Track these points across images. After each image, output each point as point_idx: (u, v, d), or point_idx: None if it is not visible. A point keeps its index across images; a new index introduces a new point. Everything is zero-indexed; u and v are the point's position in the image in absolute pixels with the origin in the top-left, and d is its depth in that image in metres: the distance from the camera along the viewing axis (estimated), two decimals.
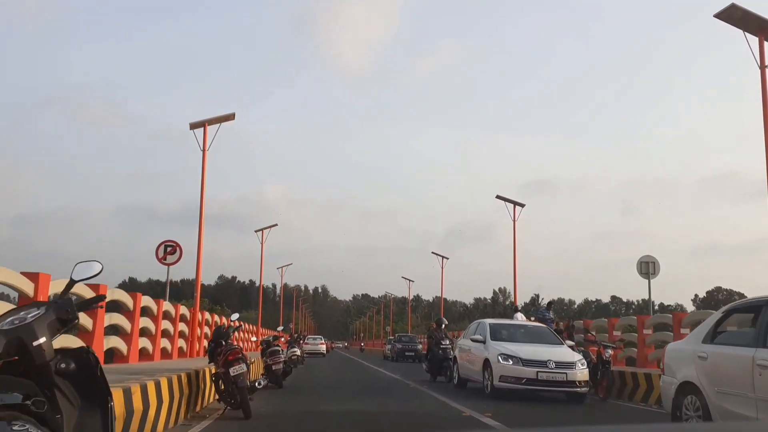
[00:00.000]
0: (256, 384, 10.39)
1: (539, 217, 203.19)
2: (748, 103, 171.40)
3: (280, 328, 25.58)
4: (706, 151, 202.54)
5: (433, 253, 47.40)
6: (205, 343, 18.77)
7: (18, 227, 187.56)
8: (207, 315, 23.46)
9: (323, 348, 49.70)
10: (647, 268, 18.99)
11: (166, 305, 16.68)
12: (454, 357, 17.03)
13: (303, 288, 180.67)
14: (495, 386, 13.26)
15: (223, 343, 10.35)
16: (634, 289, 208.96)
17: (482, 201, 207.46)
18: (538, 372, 12.99)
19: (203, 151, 19.44)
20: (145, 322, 14.98)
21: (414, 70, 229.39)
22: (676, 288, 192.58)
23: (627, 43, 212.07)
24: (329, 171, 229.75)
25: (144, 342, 14.95)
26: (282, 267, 56.89)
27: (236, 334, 13.40)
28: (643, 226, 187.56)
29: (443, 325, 21.02)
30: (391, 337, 48.24)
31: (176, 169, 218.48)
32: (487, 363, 13.78)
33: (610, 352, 14.66)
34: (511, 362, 13.21)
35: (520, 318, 20.35)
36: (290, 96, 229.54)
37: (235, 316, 11.86)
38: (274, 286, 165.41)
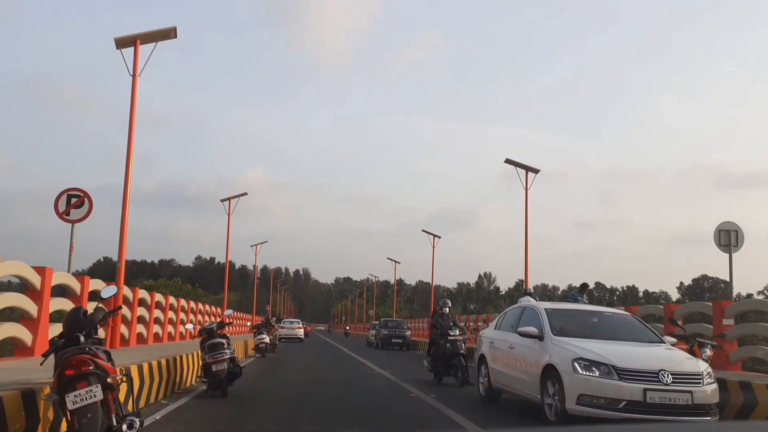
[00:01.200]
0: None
1: (520, 205, 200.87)
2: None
3: (228, 312, 20.70)
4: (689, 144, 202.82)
5: (424, 231, 43.99)
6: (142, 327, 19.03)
7: None
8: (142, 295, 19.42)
9: (301, 332, 46.04)
10: (728, 238, 14.55)
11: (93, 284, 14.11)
12: (481, 355, 11.66)
13: (284, 270, 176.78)
14: (569, 410, 8.35)
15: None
16: (616, 277, 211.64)
17: (463, 188, 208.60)
18: (645, 390, 8.08)
19: (133, 76, 15.00)
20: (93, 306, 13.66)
21: (397, 58, 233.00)
22: (659, 276, 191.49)
23: (613, 38, 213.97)
24: (310, 156, 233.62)
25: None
26: (256, 245, 52.57)
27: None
28: (623, 215, 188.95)
29: (447, 309, 15.60)
30: (375, 322, 44.26)
31: (153, 151, 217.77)
32: (551, 372, 8.85)
33: (709, 352, 10.28)
34: (596, 373, 8.31)
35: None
36: (271, 81, 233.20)
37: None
38: (255, 268, 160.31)
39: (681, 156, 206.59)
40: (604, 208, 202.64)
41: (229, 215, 33.39)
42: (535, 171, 24.98)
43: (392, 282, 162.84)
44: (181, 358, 12.11)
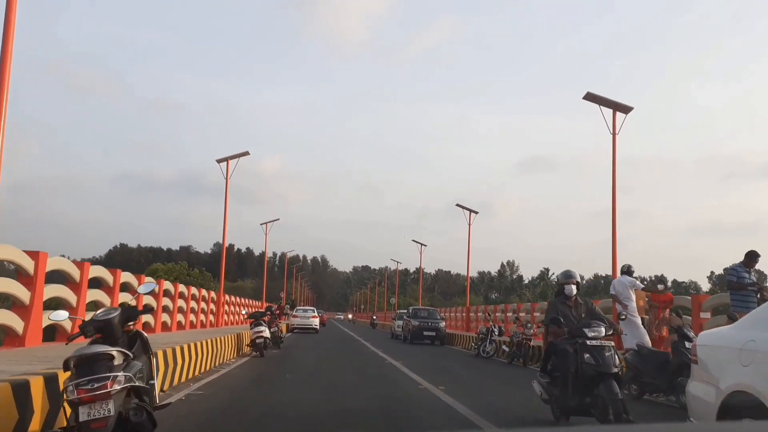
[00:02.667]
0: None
1: (538, 192, 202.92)
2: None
3: (145, 288, 11.27)
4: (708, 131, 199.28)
5: (458, 205, 37.29)
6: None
7: (15, 195, 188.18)
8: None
9: (316, 322, 40.97)
10: None
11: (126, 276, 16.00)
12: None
13: (301, 258, 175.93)
14: None
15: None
16: (644, 265, 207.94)
17: (480, 176, 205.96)
18: None
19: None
20: (95, 294, 14.08)
21: (414, 43, 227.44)
22: (689, 265, 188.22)
23: (634, 21, 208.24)
24: (327, 144, 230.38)
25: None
26: (266, 223, 47.22)
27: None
28: (641, 205, 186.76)
29: (575, 288, 8.77)
30: (402, 311, 38.55)
31: (175, 138, 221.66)
32: None
33: None
34: None
35: (628, 285, 14.34)
36: (289, 68, 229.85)
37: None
38: (274, 255, 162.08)
39: (700, 144, 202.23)
40: (622, 196, 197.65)
41: (227, 179, 28.64)
42: (627, 109, 18.96)
43: (411, 271, 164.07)
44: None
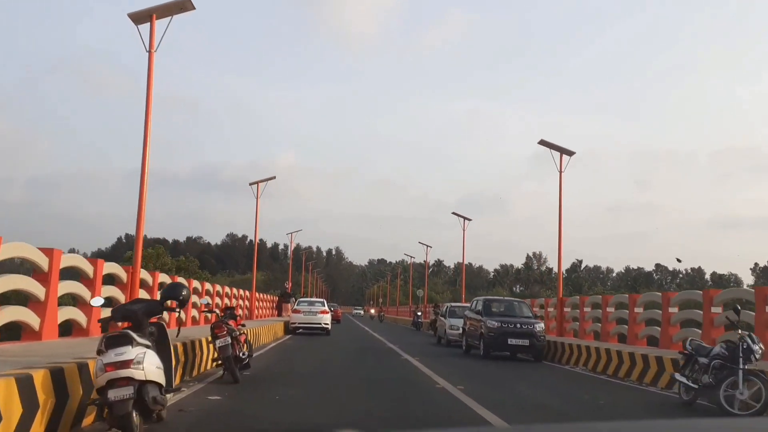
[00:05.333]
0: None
1: (552, 189, 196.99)
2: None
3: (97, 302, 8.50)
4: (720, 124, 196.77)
5: (454, 213, 40.67)
6: None
7: (31, 190, 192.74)
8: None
9: (326, 319, 28.67)
10: None
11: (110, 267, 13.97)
12: None
13: (315, 250, 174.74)
14: None
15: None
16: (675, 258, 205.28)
17: (495, 170, 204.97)
18: None
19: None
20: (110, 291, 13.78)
21: (425, 38, 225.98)
22: (729, 259, 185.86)
23: (648, 17, 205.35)
24: (341, 139, 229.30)
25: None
26: (291, 233, 52.86)
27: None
28: (656, 198, 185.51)
29: None
30: (457, 305, 27.81)
31: (190, 135, 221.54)
32: None
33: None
34: None
35: None
36: (303, 65, 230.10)
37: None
38: (286, 247, 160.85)
39: (717, 137, 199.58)
40: (640, 191, 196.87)
41: (257, 198, 31.24)
42: (570, 153, 23.42)
43: (431, 264, 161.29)
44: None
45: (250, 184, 31.62)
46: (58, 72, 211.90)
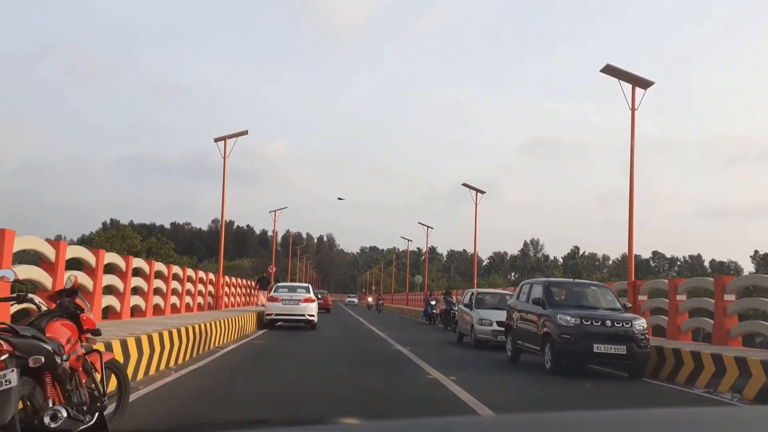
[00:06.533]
0: None
1: (542, 175, 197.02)
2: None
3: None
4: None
5: (464, 185, 35.04)
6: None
7: (21, 177, 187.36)
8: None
9: (311, 309, 22.37)
10: None
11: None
12: None
13: (305, 236, 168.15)
14: None
15: None
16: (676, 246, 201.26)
17: (487, 157, 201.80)
18: None
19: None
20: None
21: (414, 25, 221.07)
22: (728, 246, 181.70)
23: (637, 9, 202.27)
24: (333, 126, 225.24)
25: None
26: (275, 210, 46.89)
27: None
28: (648, 185, 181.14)
29: None
30: (498, 292, 22.44)
31: (178, 121, 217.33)
32: None
33: None
34: None
35: None
36: (294, 52, 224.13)
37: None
38: (276, 233, 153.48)
39: (705, 127, 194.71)
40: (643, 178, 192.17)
41: (224, 158, 25.77)
42: (647, 83, 17.39)
43: (424, 250, 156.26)
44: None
45: (216, 141, 26.18)
46: (48, 56, 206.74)
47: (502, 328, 15.61)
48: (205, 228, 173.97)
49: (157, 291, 17.15)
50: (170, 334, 11.13)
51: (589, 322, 11.72)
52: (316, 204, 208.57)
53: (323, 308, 37.79)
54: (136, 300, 15.61)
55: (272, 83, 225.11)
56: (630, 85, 16.91)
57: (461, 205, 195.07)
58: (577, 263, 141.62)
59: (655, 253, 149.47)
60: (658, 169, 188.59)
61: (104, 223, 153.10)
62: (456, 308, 24.52)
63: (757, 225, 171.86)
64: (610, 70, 16.91)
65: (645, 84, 16.87)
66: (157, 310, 17.17)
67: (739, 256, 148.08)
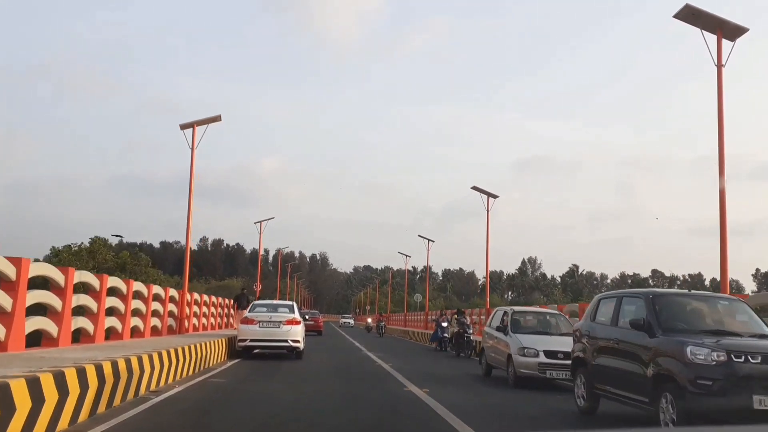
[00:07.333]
0: None
1: (535, 194, 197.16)
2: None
3: None
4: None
5: (474, 188, 33.66)
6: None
7: (12, 195, 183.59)
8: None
9: (295, 332, 18.25)
10: None
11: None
12: None
13: (297, 255, 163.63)
14: None
15: None
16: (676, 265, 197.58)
17: (476, 177, 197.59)
18: None
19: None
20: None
21: (407, 44, 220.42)
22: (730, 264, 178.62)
23: (627, 25, 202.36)
24: (326, 145, 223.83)
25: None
26: (260, 221, 45.42)
27: None
28: (640, 204, 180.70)
29: None
30: (538, 312, 17.05)
31: (170, 140, 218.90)
32: None
33: None
34: None
35: None
36: (287, 70, 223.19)
37: None
38: (266, 252, 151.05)
39: (699, 145, 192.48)
40: (628, 196, 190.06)
41: (192, 148, 23.04)
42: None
43: (419, 269, 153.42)
44: None
45: (182, 127, 23.23)
46: (41, 74, 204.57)
47: (552, 361, 12.18)
48: (194, 247, 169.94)
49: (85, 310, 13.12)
50: (63, 376, 6.86)
51: (741, 359, 7.25)
52: (309, 223, 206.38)
53: (313, 330, 34.28)
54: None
55: (266, 100, 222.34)
56: (714, 36, 13.04)
57: (455, 224, 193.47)
58: (577, 282, 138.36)
59: (654, 271, 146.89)
60: (651, 187, 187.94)
61: (91, 240, 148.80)
62: (471, 331, 21.71)
63: (752, 243, 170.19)
64: (688, 13, 12.92)
65: (733, 33, 12.92)
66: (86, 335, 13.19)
67: (739, 274, 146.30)
